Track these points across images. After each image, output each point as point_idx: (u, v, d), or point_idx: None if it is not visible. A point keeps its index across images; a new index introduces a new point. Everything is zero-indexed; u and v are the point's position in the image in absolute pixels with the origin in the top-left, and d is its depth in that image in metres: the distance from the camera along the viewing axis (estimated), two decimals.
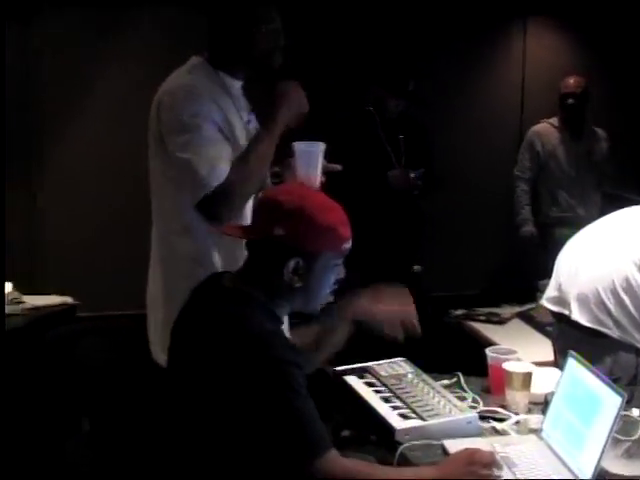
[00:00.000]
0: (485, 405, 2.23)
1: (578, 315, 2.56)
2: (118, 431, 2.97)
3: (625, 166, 5.12)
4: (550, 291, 2.77)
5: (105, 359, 3.10)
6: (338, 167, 2.42)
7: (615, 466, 1.86)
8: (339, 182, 2.34)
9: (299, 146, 2.23)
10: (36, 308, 3.81)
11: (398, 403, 2.13)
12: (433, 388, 2.22)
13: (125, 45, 5.09)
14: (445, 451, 1.95)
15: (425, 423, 2.02)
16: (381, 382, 2.27)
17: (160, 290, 2.33)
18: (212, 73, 2.29)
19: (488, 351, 2.37)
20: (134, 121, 4.11)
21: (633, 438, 1.93)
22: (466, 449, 1.82)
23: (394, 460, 1.90)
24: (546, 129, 4.95)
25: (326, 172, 2.35)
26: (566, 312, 2.62)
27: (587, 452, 1.82)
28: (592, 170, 4.92)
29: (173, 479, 1.84)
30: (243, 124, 2.32)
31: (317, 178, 2.25)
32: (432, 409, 2.08)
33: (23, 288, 3.93)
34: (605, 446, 1.77)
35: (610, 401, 1.80)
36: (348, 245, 1.85)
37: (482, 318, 3.94)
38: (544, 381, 2.27)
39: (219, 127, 2.20)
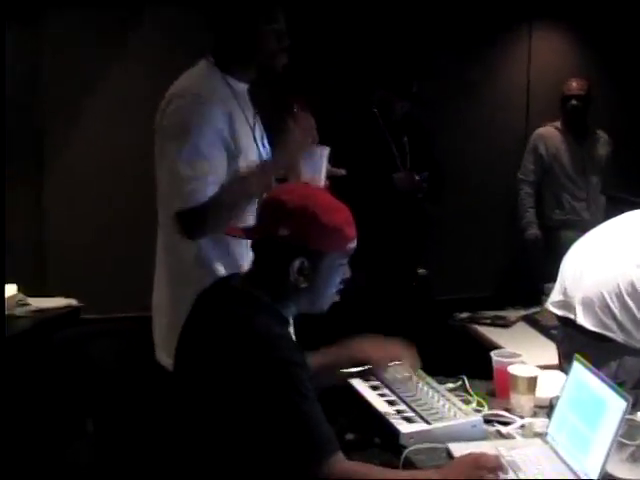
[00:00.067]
0: (490, 409, 2.23)
1: (583, 319, 2.56)
2: (122, 433, 2.97)
3: (629, 169, 5.11)
4: (555, 295, 2.76)
5: (111, 361, 3.11)
6: (342, 172, 2.42)
7: (620, 470, 1.86)
8: (344, 184, 2.35)
9: None
10: (41, 310, 3.81)
11: (403, 406, 2.12)
12: (438, 391, 2.21)
13: (125, 45, 5.08)
14: (450, 454, 1.94)
15: (430, 427, 2.01)
16: (386, 385, 2.26)
17: (165, 294, 2.34)
18: (220, 76, 2.30)
19: (493, 355, 2.37)
20: (135, 121, 4.14)
21: (638, 442, 1.93)
22: (471, 453, 1.82)
23: (399, 464, 1.90)
24: (550, 132, 4.95)
25: (330, 176, 2.36)
26: (571, 316, 2.62)
27: (592, 456, 1.82)
28: (596, 173, 4.92)
29: None
30: (249, 128, 2.33)
31: (321, 182, 2.25)
32: (437, 412, 2.08)
33: (27, 290, 3.94)
34: (610, 450, 1.77)
35: (615, 405, 1.80)
36: (353, 245, 1.84)
37: (487, 321, 3.93)
38: (549, 385, 2.27)
39: (222, 136, 2.20)
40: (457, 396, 2.24)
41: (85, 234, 4.99)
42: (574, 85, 4.83)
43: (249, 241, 1.92)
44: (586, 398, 1.94)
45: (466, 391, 2.35)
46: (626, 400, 1.78)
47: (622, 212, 2.78)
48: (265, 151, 2.41)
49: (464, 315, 4.05)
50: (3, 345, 3.19)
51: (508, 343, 3.29)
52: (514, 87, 5.74)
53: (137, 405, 2.98)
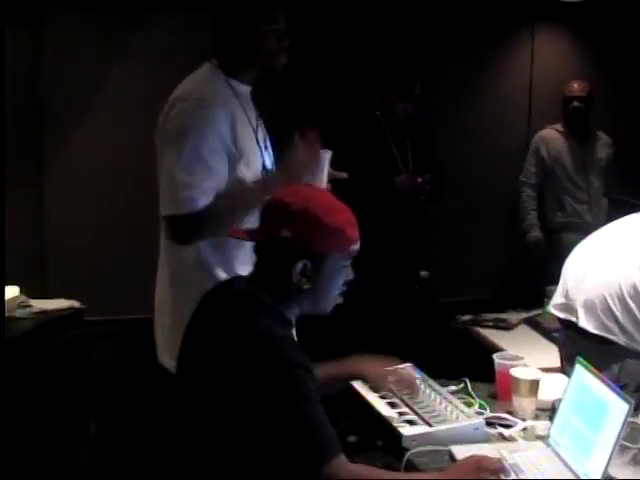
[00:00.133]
0: (492, 411, 2.23)
1: (585, 322, 2.56)
2: (124, 435, 2.97)
3: (630, 172, 5.11)
4: (557, 298, 2.76)
5: (113, 363, 3.11)
6: (344, 175, 2.43)
7: (622, 473, 1.86)
8: (346, 186, 2.35)
9: None
10: (44, 312, 3.81)
11: (405, 409, 2.12)
12: (440, 394, 2.21)
13: (125, 46, 5.08)
14: (452, 457, 1.95)
15: (432, 429, 2.01)
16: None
17: (167, 296, 2.34)
18: (223, 79, 2.30)
19: (495, 357, 2.37)
20: (135, 121, 4.14)
21: None
22: (473, 455, 1.83)
23: (401, 466, 1.91)
24: (551, 135, 4.95)
25: (332, 179, 2.36)
26: (573, 319, 2.62)
27: (594, 459, 1.82)
28: (598, 175, 4.92)
29: None
30: (252, 129, 2.33)
31: (323, 186, 2.26)
32: (439, 415, 2.08)
33: (28, 291, 3.94)
34: (612, 453, 1.77)
35: (617, 408, 1.80)
36: (356, 246, 1.84)
37: (489, 324, 3.93)
38: (551, 387, 2.27)
39: (224, 140, 2.20)
40: (459, 399, 2.24)
41: (85, 234, 4.99)
42: (576, 87, 4.83)
43: (251, 245, 1.92)
44: (588, 401, 1.94)
45: (468, 394, 2.35)
46: (628, 403, 1.78)
47: (625, 215, 2.78)
48: (267, 153, 2.41)
49: (466, 318, 4.04)
50: (3, 346, 3.20)
51: (510, 346, 3.30)
52: (517, 89, 5.74)
53: (139, 407, 2.98)
